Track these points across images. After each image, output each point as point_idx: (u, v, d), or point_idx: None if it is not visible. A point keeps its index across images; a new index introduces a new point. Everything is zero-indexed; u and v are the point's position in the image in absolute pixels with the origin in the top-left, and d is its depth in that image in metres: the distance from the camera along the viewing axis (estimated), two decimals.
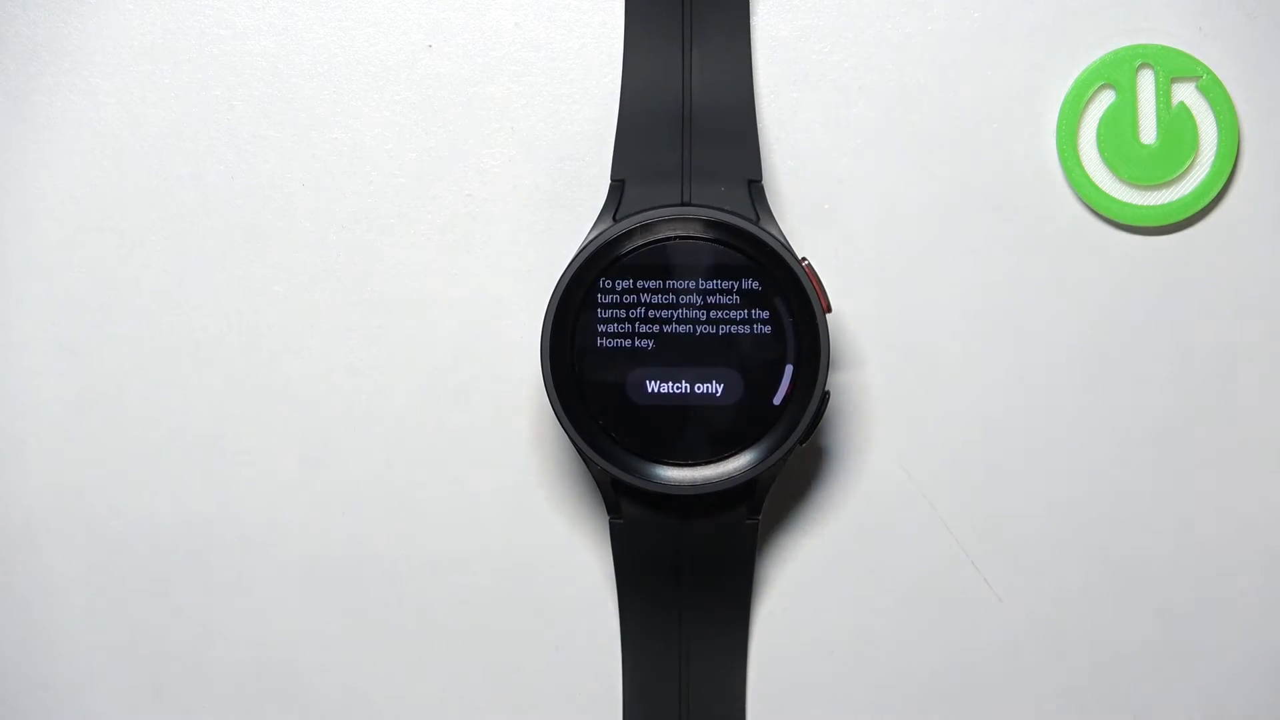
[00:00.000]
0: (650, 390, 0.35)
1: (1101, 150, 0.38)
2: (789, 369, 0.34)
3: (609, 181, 0.35)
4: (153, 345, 0.39)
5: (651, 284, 0.34)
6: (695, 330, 0.34)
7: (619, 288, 0.34)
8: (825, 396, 0.34)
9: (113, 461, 0.39)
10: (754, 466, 0.34)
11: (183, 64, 0.39)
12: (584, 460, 0.35)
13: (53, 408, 0.39)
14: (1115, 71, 0.38)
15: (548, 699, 0.39)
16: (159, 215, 0.39)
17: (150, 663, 0.39)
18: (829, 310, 0.34)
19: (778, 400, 0.34)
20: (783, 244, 0.34)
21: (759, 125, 0.37)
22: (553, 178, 0.38)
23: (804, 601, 0.38)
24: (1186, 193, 0.38)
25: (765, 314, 0.34)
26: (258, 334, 0.39)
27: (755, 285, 0.34)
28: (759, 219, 0.35)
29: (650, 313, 0.34)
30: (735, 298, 0.34)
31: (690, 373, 0.34)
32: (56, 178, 0.39)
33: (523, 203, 0.38)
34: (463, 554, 0.39)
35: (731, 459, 0.34)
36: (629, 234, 0.34)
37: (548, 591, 0.39)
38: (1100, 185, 0.38)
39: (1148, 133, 0.38)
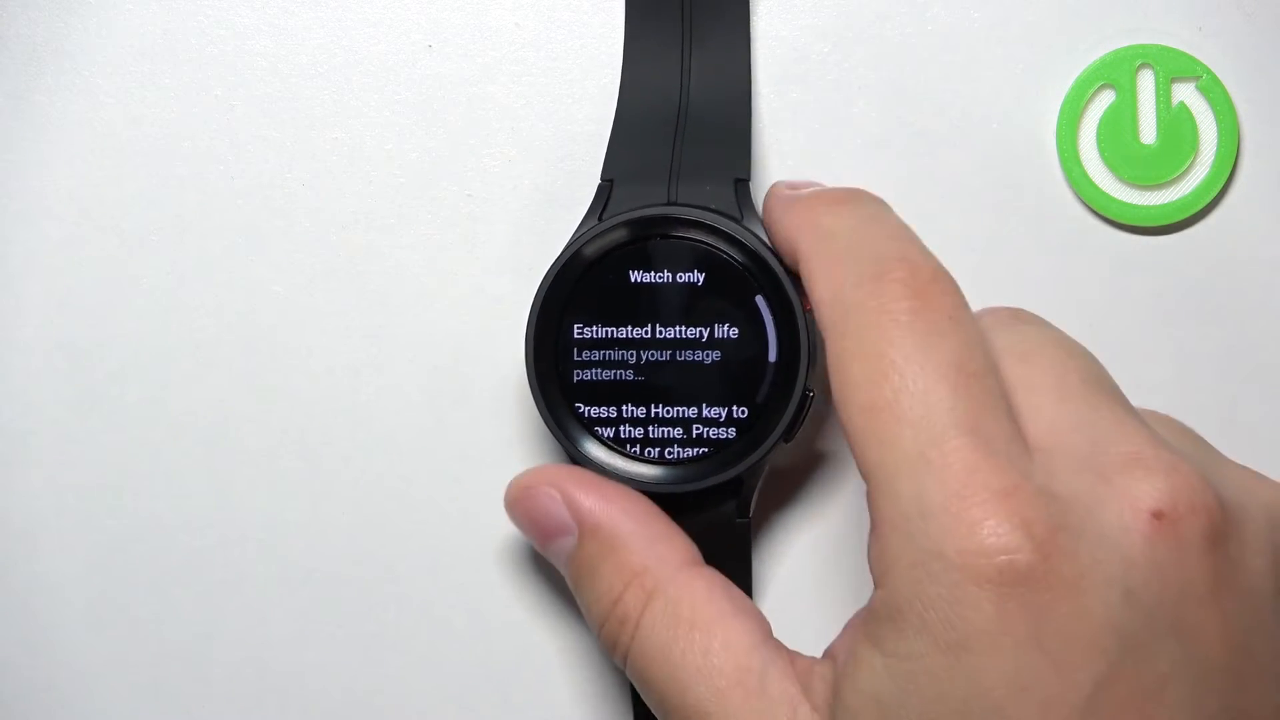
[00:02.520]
0: (633, 388, 0.35)
1: (1101, 150, 0.38)
2: (770, 368, 0.34)
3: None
4: (153, 345, 0.39)
5: (634, 283, 0.34)
6: (678, 330, 0.34)
7: (601, 288, 0.34)
8: (807, 396, 0.34)
9: (113, 461, 0.39)
10: (736, 464, 0.34)
11: (183, 64, 0.39)
12: (570, 459, 0.35)
13: (53, 408, 0.39)
14: (1115, 71, 0.38)
15: (553, 699, 0.39)
16: (159, 215, 0.39)
17: (150, 663, 0.39)
18: (809, 308, 0.34)
19: (760, 397, 0.34)
20: (763, 242, 0.34)
21: (757, 125, 0.37)
22: (552, 178, 0.38)
23: (804, 601, 0.38)
24: (1186, 193, 0.38)
25: (747, 312, 0.34)
26: (258, 334, 0.39)
27: (737, 284, 0.34)
28: (743, 217, 0.35)
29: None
30: (717, 296, 0.34)
31: (674, 376, 0.34)
32: (56, 178, 0.39)
33: (523, 203, 0.38)
34: (463, 554, 0.39)
35: (714, 457, 0.34)
36: (610, 232, 0.34)
37: (550, 592, 0.39)
38: (1100, 185, 0.38)
39: (1148, 133, 0.38)
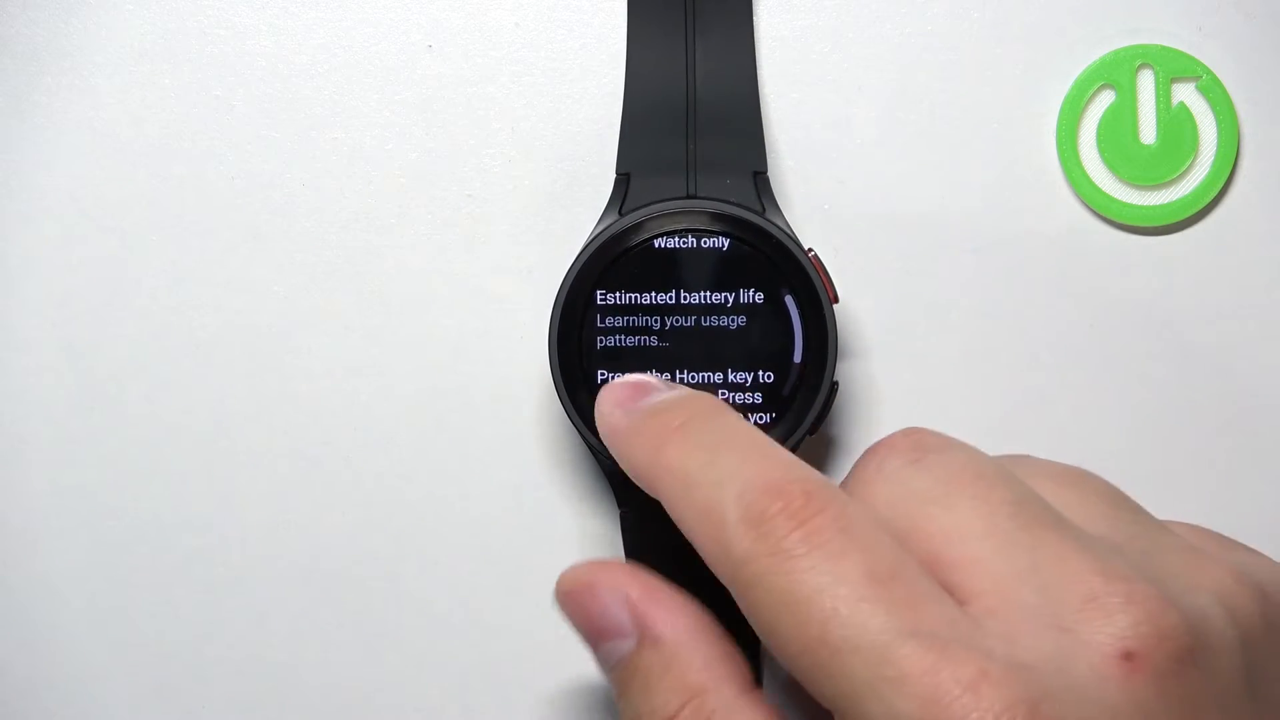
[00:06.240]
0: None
1: (1101, 150, 0.38)
2: (797, 360, 0.34)
3: (613, 177, 0.35)
4: (153, 345, 0.39)
5: (658, 277, 0.34)
6: (702, 322, 0.34)
7: (625, 282, 0.34)
8: (834, 387, 0.34)
9: (113, 461, 0.39)
10: None
11: (183, 64, 0.39)
12: (593, 453, 0.35)
13: (53, 408, 0.39)
14: (1115, 71, 0.38)
15: (552, 699, 0.39)
16: (159, 215, 0.39)
17: (150, 663, 0.39)
18: (836, 301, 0.34)
19: (786, 391, 0.34)
20: (789, 235, 0.34)
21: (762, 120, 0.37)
22: (553, 177, 0.38)
23: None
24: (1186, 193, 0.38)
25: (772, 306, 0.34)
26: (258, 334, 0.39)
27: (762, 277, 0.34)
28: (764, 211, 0.35)
29: (657, 305, 0.35)
30: (742, 290, 0.34)
31: (697, 365, 0.34)
32: (56, 178, 0.39)
33: (523, 202, 0.38)
34: (463, 554, 0.39)
35: None
36: (634, 228, 0.34)
37: (549, 592, 0.39)
38: (1100, 185, 0.38)
39: (1148, 133, 0.38)
